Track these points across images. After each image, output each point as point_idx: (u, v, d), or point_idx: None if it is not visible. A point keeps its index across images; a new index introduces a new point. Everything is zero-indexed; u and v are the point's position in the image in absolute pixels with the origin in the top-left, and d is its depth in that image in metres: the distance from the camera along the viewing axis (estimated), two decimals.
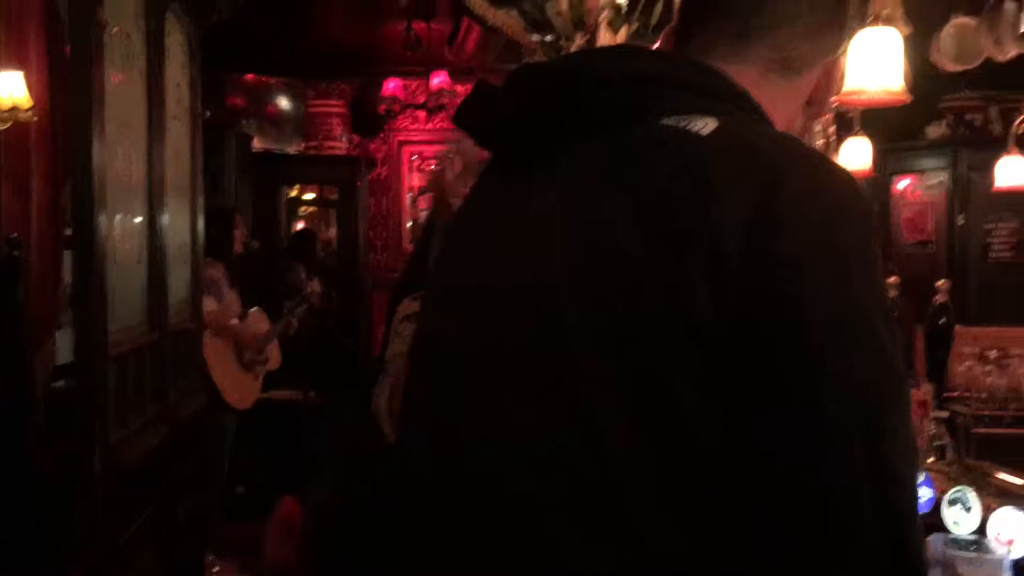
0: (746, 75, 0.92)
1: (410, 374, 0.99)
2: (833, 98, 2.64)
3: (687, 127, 0.81)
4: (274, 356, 4.41)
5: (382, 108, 6.03)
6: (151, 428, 2.62)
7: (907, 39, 2.87)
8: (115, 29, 2.31)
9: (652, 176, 0.80)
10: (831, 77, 0.99)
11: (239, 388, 4.01)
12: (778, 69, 0.95)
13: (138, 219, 2.63)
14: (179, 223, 3.09)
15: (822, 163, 0.82)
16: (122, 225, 2.46)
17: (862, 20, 2.13)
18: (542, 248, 0.84)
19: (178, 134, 3.08)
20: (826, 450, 0.72)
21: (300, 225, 6.94)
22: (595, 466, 0.76)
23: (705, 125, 0.81)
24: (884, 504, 0.73)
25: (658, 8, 2.48)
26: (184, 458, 2.95)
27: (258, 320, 4.31)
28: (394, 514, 0.93)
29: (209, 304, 3.76)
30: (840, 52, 1.00)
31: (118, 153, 2.40)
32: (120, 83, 2.43)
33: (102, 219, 2.21)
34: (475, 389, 0.86)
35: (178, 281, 3.04)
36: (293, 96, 6.31)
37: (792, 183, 0.76)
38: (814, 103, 0.99)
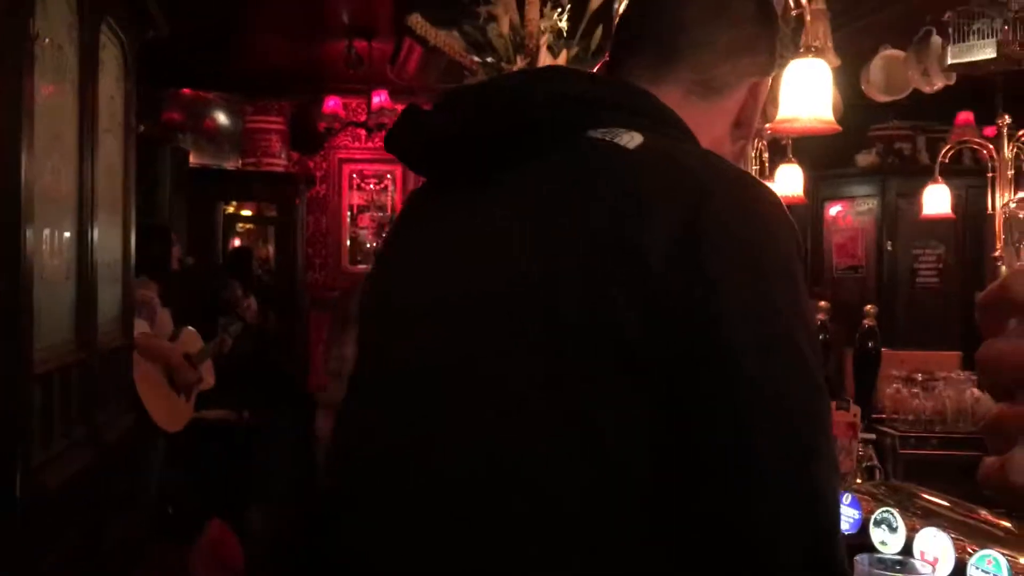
0: (669, 97, 0.94)
1: (353, 395, 0.98)
2: (767, 125, 2.71)
3: (614, 140, 0.82)
4: (207, 376, 4.33)
5: (322, 126, 5.99)
6: (77, 450, 2.55)
7: (839, 70, 2.96)
8: (47, 41, 2.26)
9: (577, 194, 0.81)
10: (757, 99, 1.01)
11: (169, 410, 3.92)
12: (699, 91, 0.98)
13: (67, 234, 2.57)
14: (110, 239, 3.03)
15: (747, 182, 0.83)
16: (50, 240, 2.40)
17: (795, 51, 2.19)
18: (478, 267, 0.85)
19: (111, 148, 3.02)
20: (752, 471, 0.73)
21: (237, 242, 6.85)
22: (530, 477, 0.76)
23: (631, 139, 0.82)
24: (810, 523, 0.74)
25: (598, 32, 2.51)
26: (112, 480, 2.88)
27: (191, 339, 4.23)
28: (336, 537, 0.91)
29: (141, 326, 3.68)
30: (767, 75, 1.03)
31: (47, 167, 2.35)
32: (51, 96, 2.37)
33: (29, 234, 2.15)
34: (423, 406, 0.86)
35: (108, 299, 2.96)
36: (231, 111, 6.24)
37: (718, 202, 0.77)
38: (742, 124, 1.01)
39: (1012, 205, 0.52)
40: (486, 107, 0.90)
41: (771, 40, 1.03)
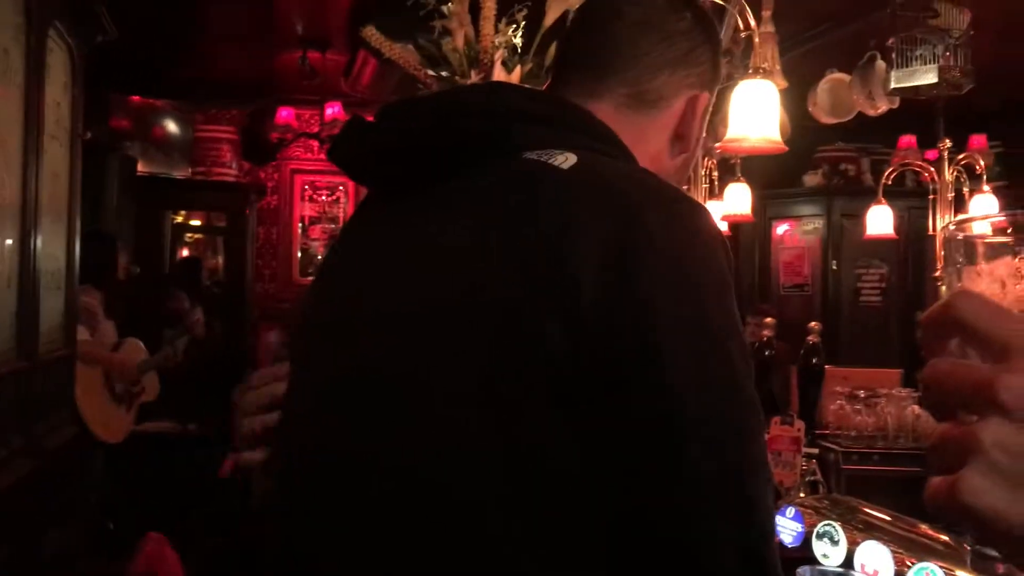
0: (602, 111, 0.95)
1: (289, 404, 0.97)
2: (716, 144, 2.75)
3: (548, 161, 0.82)
4: (151, 387, 4.25)
5: (275, 136, 5.94)
6: (15, 461, 2.49)
7: (787, 92, 3.01)
8: None
9: (508, 213, 0.81)
10: (695, 112, 1.01)
11: (109, 421, 3.85)
12: (633, 104, 0.99)
13: (9, 242, 2.51)
14: (54, 247, 2.97)
15: (676, 199, 0.83)
16: None
17: (743, 72, 2.23)
18: (413, 280, 0.84)
19: (56, 155, 2.96)
20: (687, 483, 0.73)
21: (185, 252, 6.75)
22: (457, 491, 0.76)
23: (566, 159, 0.82)
24: (745, 531, 0.75)
25: (552, 49, 2.53)
26: (50, 492, 2.81)
27: (134, 349, 4.16)
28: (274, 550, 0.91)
29: (82, 333, 3.61)
30: (707, 88, 1.03)
31: None
32: None
33: None
34: (338, 421, 0.85)
35: (51, 307, 2.91)
36: (181, 120, 6.16)
37: (647, 220, 0.77)
38: (682, 138, 1.02)
39: (952, 227, 0.53)
40: (424, 119, 0.90)
41: (711, 54, 1.04)
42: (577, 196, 0.79)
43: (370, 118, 0.95)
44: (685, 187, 4.08)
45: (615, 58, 0.99)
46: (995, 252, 0.46)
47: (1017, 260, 0.45)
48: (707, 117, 1.06)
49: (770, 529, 0.79)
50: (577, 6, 1.22)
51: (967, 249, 0.47)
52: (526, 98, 0.91)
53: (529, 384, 0.74)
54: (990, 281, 0.46)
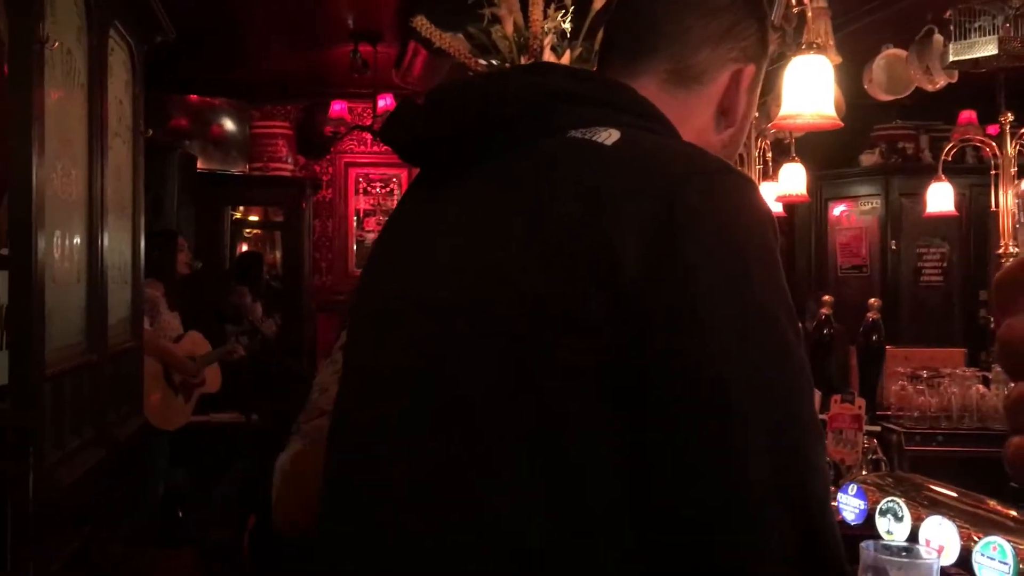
0: (646, 89, 0.95)
1: (340, 393, 1.00)
2: (770, 123, 2.72)
3: (592, 138, 0.83)
4: (212, 379, 4.35)
5: (328, 130, 6.01)
6: (88, 450, 2.57)
7: (841, 70, 2.97)
8: (56, 44, 2.29)
9: (555, 190, 0.81)
10: (740, 86, 1.00)
11: (165, 409, 3.95)
12: (676, 80, 0.98)
13: (77, 238, 2.59)
14: (120, 242, 3.05)
15: (721, 170, 0.82)
16: (61, 243, 2.42)
17: (796, 48, 2.21)
18: (447, 267, 0.86)
19: (119, 152, 3.05)
20: (732, 456, 0.73)
21: (244, 247, 6.88)
22: (486, 485, 0.76)
23: (609, 135, 0.83)
24: (800, 492, 0.74)
25: (601, 33, 2.53)
26: (121, 480, 2.90)
27: (195, 342, 4.26)
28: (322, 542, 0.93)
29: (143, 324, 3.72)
30: (754, 61, 1.02)
31: (57, 170, 2.37)
32: (60, 99, 2.40)
33: (40, 237, 2.18)
34: (380, 410, 0.87)
35: (118, 301, 2.99)
36: (238, 117, 6.27)
37: (691, 192, 0.77)
38: (728, 112, 1.01)
39: None
40: (470, 102, 0.91)
41: (757, 26, 1.02)
42: (620, 171, 0.79)
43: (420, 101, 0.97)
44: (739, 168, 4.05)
45: (656, 36, 0.99)
46: None
47: None
48: (756, 90, 1.04)
49: (825, 492, 0.78)
50: None
51: None
52: (570, 78, 0.91)
53: (571, 365, 0.74)
54: None
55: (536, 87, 0.89)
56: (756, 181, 3.74)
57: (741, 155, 4.07)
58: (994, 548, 1.46)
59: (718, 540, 0.73)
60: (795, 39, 2.50)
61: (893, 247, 5.63)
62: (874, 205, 5.77)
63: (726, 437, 0.73)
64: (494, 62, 2.66)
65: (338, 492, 0.91)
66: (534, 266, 0.77)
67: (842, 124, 2.18)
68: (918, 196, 4.56)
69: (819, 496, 0.76)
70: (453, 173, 0.92)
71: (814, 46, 2.13)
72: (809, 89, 2.10)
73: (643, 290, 0.73)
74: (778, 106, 2.29)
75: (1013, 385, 0.44)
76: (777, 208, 3.67)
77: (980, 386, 3.49)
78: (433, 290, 0.85)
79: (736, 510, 0.73)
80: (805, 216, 6.00)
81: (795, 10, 2.26)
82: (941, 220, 4.50)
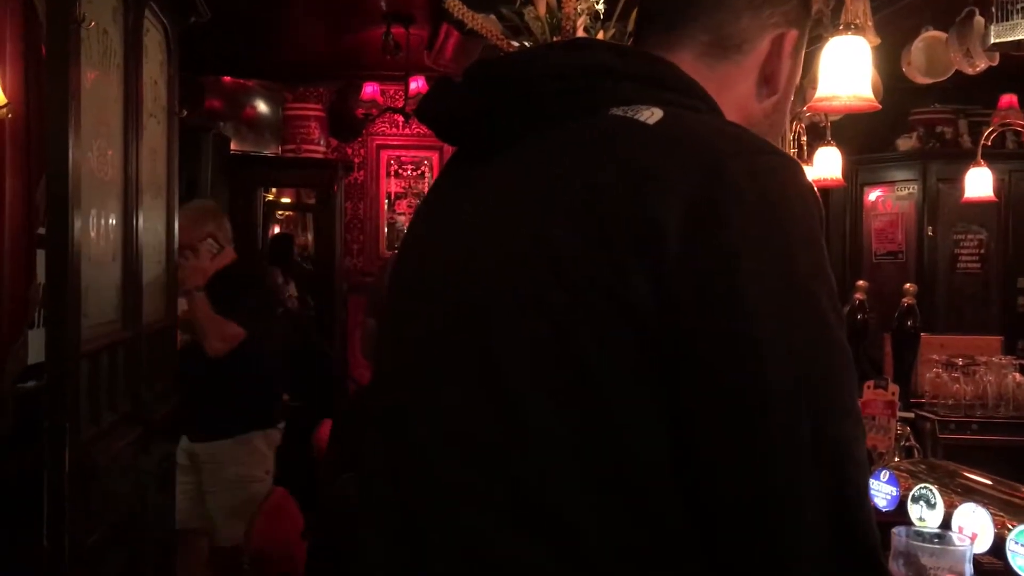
0: (683, 61, 0.94)
1: (375, 370, 1.01)
2: (806, 106, 2.68)
3: (634, 116, 0.82)
4: None
5: (360, 112, 6.02)
6: (124, 426, 2.61)
7: (879, 52, 2.92)
8: (92, 24, 2.30)
9: (598, 166, 0.80)
10: (782, 52, 0.98)
11: None
12: (715, 51, 0.96)
13: (112, 218, 2.62)
14: (154, 222, 3.08)
15: (764, 150, 0.81)
16: (97, 222, 2.45)
17: (834, 29, 2.18)
18: (486, 243, 0.85)
19: (155, 132, 3.07)
20: (772, 437, 0.72)
21: (277, 229, 6.92)
22: (522, 458, 0.76)
23: (652, 115, 0.82)
24: (837, 478, 0.73)
25: (634, 14, 2.50)
26: (157, 457, 2.94)
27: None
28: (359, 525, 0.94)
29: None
30: (795, 26, 0.99)
31: (94, 150, 2.40)
32: (97, 79, 2.42)
33: (76, 217, 2.20)
34: (415, 376, 0.88)
35: (153, 280, 3.02)
36: (271, 99, 6.30)
37: (733, 170, 0.76)
38: (770, 80, 0.99)
39: None
40: (511, 78, 0.90)
41: None
42: (662, 150, 0.79)
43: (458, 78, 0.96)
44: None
45: (694, 6, 0.97)
46: None
47: None
48: (799, 55, 1.02)
49: (863, 482, 0.77)
50: None
51: None
52: (612, 54, 0.90)
53: (605, 329, 0.74)
54: None
55: (577, 63, 0.88)
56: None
57: (785, 119, 4.01)
58: None
59: (756, 529, 0.73)
60: (833, 20, 2.46)
61: (930, 233, 5.55)
62: (911, 190, 5.69)
63: (766, 423, 0.72)
64: (527, 43, 2.65)
65: (375, 465, 0.92)
66: (577, 242, 0.77)
67: (880, 107, 2.15)
68: (956, 182, 4.49)
69: (859, 487, 0.76)
70: (492, 148, 0.91)
71: (852, 27, 2.10)
72: (846, 70, 2.07)
73: (684, 268, 0.73)
74: (814, 88, 2.26)
75: None
76: None
77: (1017, 374, 3.45)
78: (475, 262, 0.85)
79: (774, 500, 0.73)
80: (840, 201, 5.92)
81: None
82: (979, 206, 4.43)
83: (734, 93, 0.97)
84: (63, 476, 2.14)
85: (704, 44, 0.97)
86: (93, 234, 2.41)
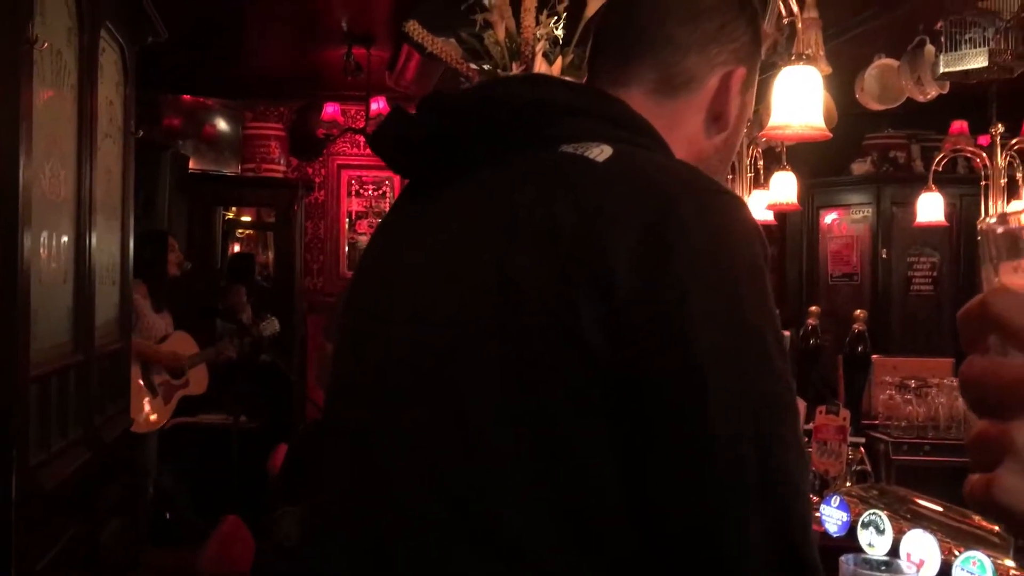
0: (633, 98, 0.95)
1: (325, 415, 1.00)
2: (761, 132, 2.72)
3: (584, 154, 0.83)
4: (197, 380, 4.33)
5: (321, 132, 6.01)
6: (74, 451, 2.56)
7: (833, 78, 2.97)
8: (45, 45, 2.28)
9: (545, 204, 0.81)
10: (731, 88, 0.98)
11: (138, 411, 3.92)
12: (664, 89, 0.97)
13: (65, 238, 2.58)
14: (108, 243, 3.05)
15: (712, 191, 0.83)
16: (48, 244, 2.41)
17: (786, 59, 2.21)
18: (436, 277, 0.86)
19: (109, 153, 3.04)
20: (718, 471, 0.74)
21: (236, 247, 6.87)
22: (481, 485, 0.78)
23: (601, 152, 0.83)
24: (779, 510, 0.75)
25: (591, 42, 2.53)
26: (108, 482, 2.89)
27: (181, 342, 4.24)
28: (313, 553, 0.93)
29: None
30: (745, 63, 1.00)
31: (46, 171, 2.36)
32: (50, 100, 2.39)
33: (27, 237, 2.17)
34: (377, 397, 0.88)
35: (106, 302, 2.98)
36: (231, 117, 6.26)
37: (682, 209, 0.77)
38: (719, 117, 0.99)
39: (991, 220, 0.52)
40: (462, 112, 0.90)
41: (747, 26, 1.01)
42: (612, 188, 0.80)
43: (412, 109, 0.97)
44: (730, 175, 4.05)
45: (642, 44, 0.98)
46: None
47: None
48: (750, 91, 1.02)
49: (807, 515, 0.79)
50: None
51: (1005, 243, 0.46)
52: (566, 90, 0.91)
53: (558, 364, 0.75)
54: None
55: (531, 97, 0.89)
56: (748, 188, 3.75)
57: (732, 163, 4.07)
58: (974, 563, 1.46)
59: (704, 560, 0.75)
60: (786, 49, 2.50)
61: (884, 256, 5.65)
62: (865, 214, 5.78)
63: (712, 457, 0.74)
64: (486, 67, 2.66)
65: (336, 483, 0.91)
66: (538, 275, 0.78)
67: (831, 135, 2.18)
68: (909, 205, 4.57)
69: (803, 520, 0.77)
70: (446, 177, 0.92)
71: (804, 57, 2.13)
72: (798, 100, 2.10)
73: (635, 307, 0.74)
74: (769, 115, 2.29)
75: (976, 421, 0.43)
76: (768, 216, 3.68)
77: None
78: (438, 289, 0.85)
79: (721, 533, 0.74)
80: (797, 224, 6.01)
81: (786, 20, 2.26)
82: (932, 230, 4.51)
83: (684, 130, 0.98)
84: (10, 502, 2.10)
85: (653, 81, 0.97)
86: (44, 256, 2.37)
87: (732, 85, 0.99)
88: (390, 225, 1.02)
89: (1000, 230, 0.46)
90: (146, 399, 3.99)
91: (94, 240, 2.79)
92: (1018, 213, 0.47)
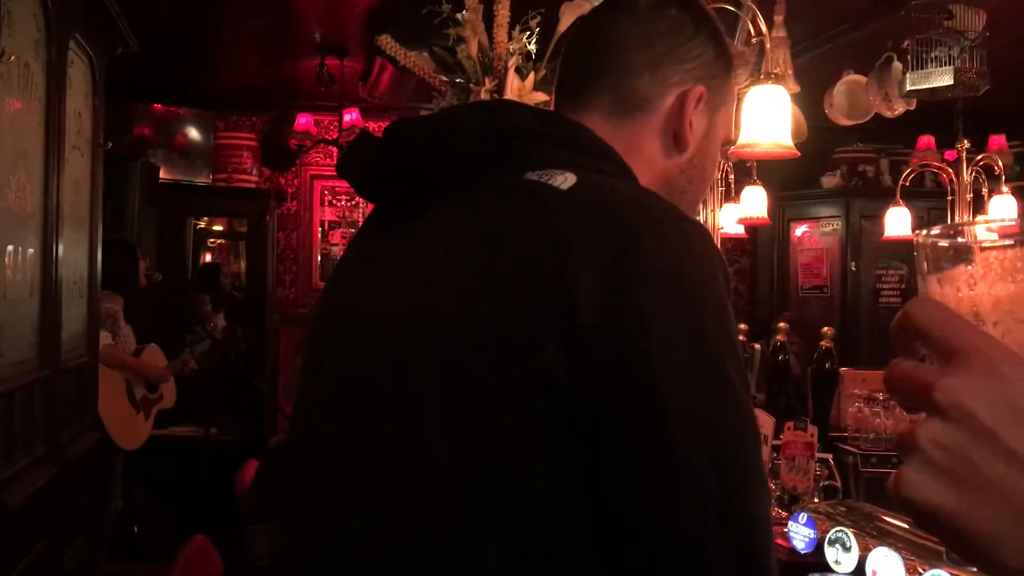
0: (591, 122, 0.96)
1: (289, 434, 1.01)
2: (730, 149, 2.75)
3: (548, 182, 0.83)
4: (169, 394, 4.29)
5: (294, 143, 5.98)
6: (38, 468, 2.53)
7: (803, 93, 3.00)
8: (12, 58, 2.26)
9: (509, 231, 0.82)
10: (685, 107, 0.99)
11: (128, 427, 3.88)
12: (619, 111, 0.98)
13: (31, 251, 2.55)
14: (76, 255, 3.01)
15: (674, 219, 0.83)
16: (14, 257, 2.39)
17: (756, 77, 2.23)
18: (399, 303, 0.86)
19: (78, 164, 3.01)
20: (680, 501, 0.74)
21: (208, 257, 6.81)
22: (437, 520, 0.77)
23: (565, 179, 0.83)
24: (741, 538, 0.75)
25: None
26: (74, 499, 2.85)
27: (154, 356, 4.20)
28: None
29: (104, 338, 3.66)
30: (703, 81, 1.00)
31: (12, 183, 2.34)
32: (16, 112, 2.37)
33: None
34: (335, 429, 0.88)
35: (73, 315, 2.95)
36: (202, 127, 6.22)
37: (643, 239, 0.78)
38: (678, 139, 1.00)
39: (923, 233, 0.55)
40: (427, 138, 0.91)
41: (704, 47, 1.01)
42: (575, 216, 0.80)
43: (379, 134, 0.97)
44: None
45: (597, 68, 1.00)
46: (954, 260, 0.48)
47: (970, 268, 0.47)
48: (715, 111, 1.02)
49: (768, 543, 0.79)
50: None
51: (932, 256, 0.49)
52: (530, 117, 0.91)
53: (520, 396, 0.76)
54: (950, 288, 0.48)
55: (495, 124, 0.89)
56: (720, 202, 3.77)
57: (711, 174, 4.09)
58: None
59: None
60: (755, 68, 2.53)
61: (853, 268, 5.71)
62: (835, 227, 5.84)
63: (675, 489, 0.74)
64: (459, 81, 2.66)
65: (293, 516, 0.92)
66: (494, 307, 0.78)
67: (799, 154, 2.21)
68: (878, 218, 4.63)
69: (765, 548, 0.78)
70: (408, 208, 0.92)
71: (772, 76, 2.16)
72: (767, 118, 2.12)
73: (597, 336, 0.74)
74: (738, 131, 2.31)
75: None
76: (739, 229, 3.71)
77: None
78: (388, 324, 0.85)
79: (684, 562, 0.75)
80: (767, 236, 6.06)
81: (754, 40, 2.29)
82: (900, 243, 4.56)
83: (644, 152, 0.98)
84: None
85: (609, 104, 0.99)
86: (9, 270, 2.34)
87: (688, 104, 0.99)
88: (357, 250, 1.02)
89: (928, 243, 0.49)
90: (132, 416, 3.94)
91: (61, 253, 2.76)
92: (954, 226, 0.49)
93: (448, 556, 0.76)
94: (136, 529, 4.43)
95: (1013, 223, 0.49)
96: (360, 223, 6.69)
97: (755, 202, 3.52)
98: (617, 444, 0.75)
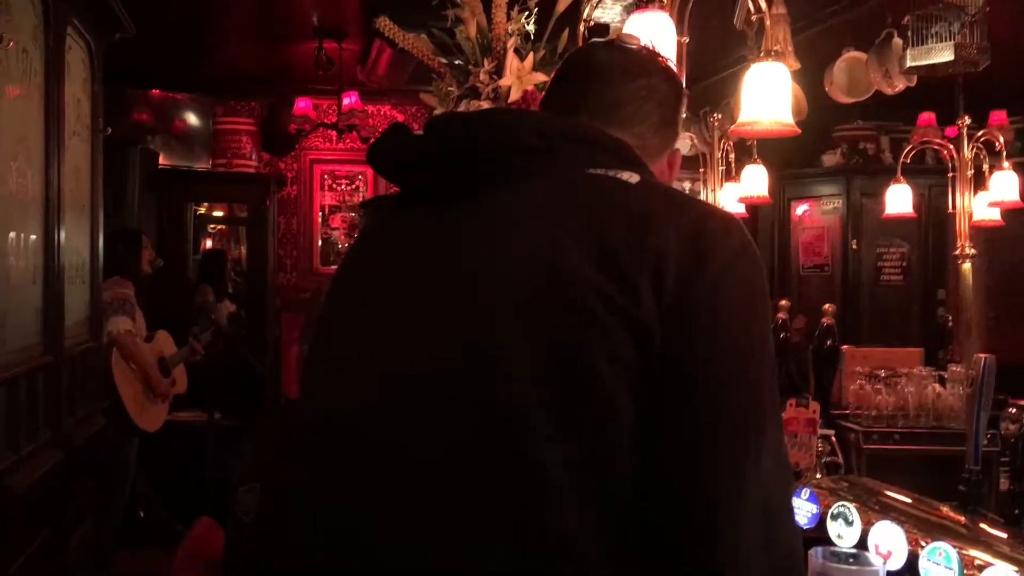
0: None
1: (313, 399, 1.00)
2: (731, 128, 2.74)
3: (616, 175, 0.95)
4: (181, 380, 4.31)
5: (293, 127, 5.96)
6: (43, 453, 2.54)
7: (803, 71, 2.99)
8: (11, 44, 2.25)
9: (599, 208, 0.91)
10: (674, 167, 1.15)
11: (146, 410, 3.91)
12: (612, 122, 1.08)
13: (33, 237, 2.55)
14: (78, 241, 3.01)
15: (724, 214, 0.98)
16: (16, 243, 2.39)
17: (755, 55, 2.22)
18: (493, 276, 0.90)
19: (77, 151, 3.00)
20: (722, 447, 0.84)
21: (208, 243, 6.81)
22: (525, 476, 0.82)
23: (631, 176, 0.95)
24: (768, 497, 0.84)
25: (564, 35, 2.53)
26: (80, 484, 2.87)
27: (165, 342, 4.22)
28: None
29: (124, 323, 3.69)
30: (674, 144, 1.15)
31: (12, 169, 2.34)
32: (16, 99, 2.36)
33: None
34: (413, 406, 0.89)
35: (76, 301, 2.95)
36: (201, 112, 6.21)
37: (713, 223, 0.92)
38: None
39: None
40: (491, 129, 0.98)
41: (680, 117, 1.16)
42: (651, 201, 0.93)
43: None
44: (702, 168, 4.05)
45: (623, 117, 1.09)
46: None
47: None
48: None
49: (790, 489, 0.92)
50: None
51: None
52: (588, 127, 1.02)
53: (620, 360, 0.84)
54: None
55: (558, 126, 0.99)
56: (720, 181, 3.78)
57: (704, 155, 4.09)
58: (940, 554, 1.49)
59: (698, 551, 0.82)
60: (755, 44, 2.52)
61: (854, 247, 5.70)
62: (836, 205, 5.83)
63: (716, 435, 0.84)
64: (457, 62, 2.65)
65: (313, 486, 0.92)
66: (591, 272, 0.86)
67: (799, 131, 2.20)
68: (878, 196, 4.62)
69: (787, 493, 0.91)
70: (448, 195, 0.97)
71: (772, 53, 2.14)
72: (767, 96, 2.11)
73: (681, 296, 0.86)
74: (739, 109, 2.30)
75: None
76: (740, 208, 3.71)
77: (936, 385, 3.55)
78: (480, 299, 0.89)
79: (717, 501, 0.83)
80: (768, 215, 6.05)
81: (754, 17, 2.27)
82: (901, 220, 4.56)
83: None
84: None
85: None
86: (12, 256, 2.35)
87: (675, 164, 1.18)
88: (382, 235, 1.05)
89: None
90: (151, 399, 3.96)
91: (63, 239, 2.76)
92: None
93: (532, 511, 0.81)
94: (142, 514, 4.46)
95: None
96: (359, 207, 6.69)
97: (756, 181, 3.52)
98: (670, 387, 0.84)
